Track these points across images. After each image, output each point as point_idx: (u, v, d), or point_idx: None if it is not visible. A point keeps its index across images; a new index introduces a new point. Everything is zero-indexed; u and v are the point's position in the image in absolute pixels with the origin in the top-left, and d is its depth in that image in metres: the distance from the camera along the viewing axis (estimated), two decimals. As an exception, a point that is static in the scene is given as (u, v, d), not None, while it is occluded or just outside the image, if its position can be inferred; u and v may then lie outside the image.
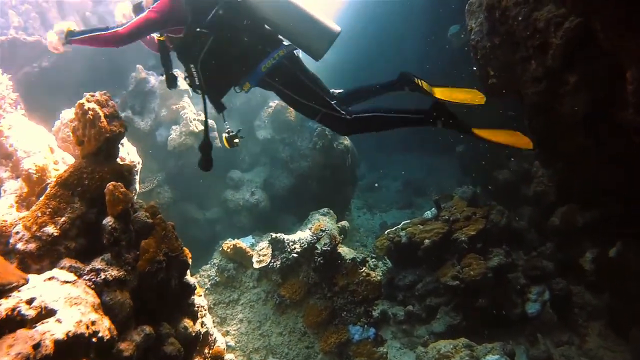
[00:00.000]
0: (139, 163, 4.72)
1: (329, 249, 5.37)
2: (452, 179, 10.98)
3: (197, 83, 3.63)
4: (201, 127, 7.11)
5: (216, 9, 3.47)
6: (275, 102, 8.23)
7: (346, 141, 8.17)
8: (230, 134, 3.95)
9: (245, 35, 3.54)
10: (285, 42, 3.64)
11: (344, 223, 6.71)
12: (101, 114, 3.31)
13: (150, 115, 7.41)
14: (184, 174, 7.48)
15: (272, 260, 5.61)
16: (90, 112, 3.27)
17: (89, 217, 3.10)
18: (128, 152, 4.64)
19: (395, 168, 14.31)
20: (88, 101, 3.33)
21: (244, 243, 6.35)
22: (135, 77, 7.42)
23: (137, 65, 7.41)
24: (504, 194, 7.33)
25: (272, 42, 3.60)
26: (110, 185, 3.06)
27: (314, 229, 5.62)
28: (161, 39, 3.70)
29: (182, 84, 7.14)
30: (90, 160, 3.24)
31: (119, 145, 3.50)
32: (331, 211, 6.80)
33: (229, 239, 6.85)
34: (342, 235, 6.24)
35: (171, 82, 3.88)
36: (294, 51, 3.63)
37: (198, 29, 3.45)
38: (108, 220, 3.03)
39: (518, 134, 3.55)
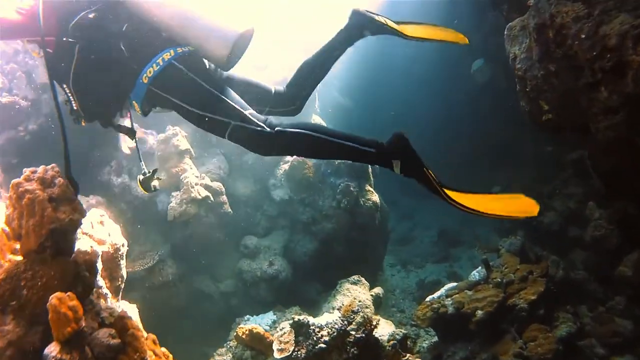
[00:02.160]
0: (123, 245, 3.89)
1: (363, 335, 4.45)
2: (489, 225, 10.11)
3: (75, 109, 2.95)
4: (205, 193, 6.36)
5: (85, 12, 2.86)
6: (291, 158, 7.45)
7: (374, 196, 7.32)
8: (146, 175, 3.42)
9: (124, 42, 2.88)
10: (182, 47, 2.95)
11: (378, 290, 5.97)
12: (43, 197, 2.49)
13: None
14: (192, 245, 6.73)
15: (296, 349, 4.69)
16: (27, 196, 2.46)
17: (28, 341, 2.24)
18: (109, 233, 3.82)
19: (427, 216, 13.46)
20: (26, 180, 2.54)
21: (261, 327, 5.52)
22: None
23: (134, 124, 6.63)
24: (551, 238, 6.52)
25: (156, 47, 2.90)
26: (54, 298, 2.18)
27: (344, 310, 4.71)
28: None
29: (183, 142, 6.45)
30: (32, 261, 2.40)
31: (75, 237, 2.67)
32: (362, 279, 6.00)
33: (247, 318, 6.11)
34: (377, 306, 5.50)
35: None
36: (188, 51, 2.93)
37: (64, 38, 2.83)
38: (51, 350, 2.15)
39: (521, 197, 2.59)
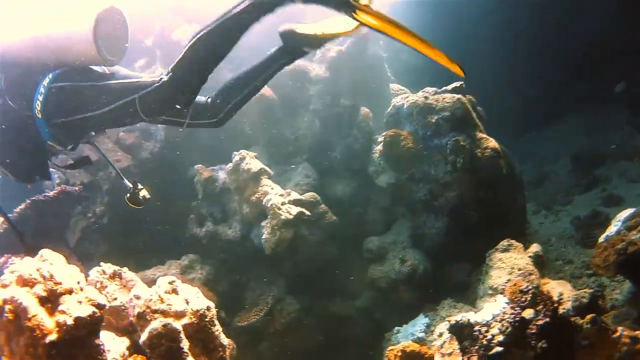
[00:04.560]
0: (209, 309, 3.07)
1: (547, 320, 3.33)
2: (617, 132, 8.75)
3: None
4: (296, 210, 5.50)
5: None
6: (383, 135, 6.51)
7: (490, 142, 6.12)
8: (133, 191, 3.46)
9: (8, 94, 2.94)
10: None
11: (535, 249, 4.95)
12: (31, 303, 1.66)
13: (236, 218, 6.00)
14: (306, 271, 6.00)
15: (466, 358, 3.67)
16: (8, 308, 1.65)
17: None
18: (187, 300, 3.02)
19: (546, 147, 12.15)
20: (3, 287, 1.73)
21: (416, 335, 4.72)
22: (199, 180, 6.13)
23: (195, 167, 6.19)
24: None
25: (34, 82, 2.88)
26: None
27: (510, 293, 3.61)
28: None
29: (254, 163, 5.69)
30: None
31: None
32: (512, 242, 4.97)
33: (395, 331, 5.23)
34: (540, 267, 4.56)
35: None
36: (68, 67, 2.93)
37: None
38: None
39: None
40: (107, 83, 2.88)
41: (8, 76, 2.96)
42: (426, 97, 6.30)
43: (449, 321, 3.81)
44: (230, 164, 5.93)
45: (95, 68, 3.05)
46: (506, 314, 3.51)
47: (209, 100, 3.28)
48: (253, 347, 5.47)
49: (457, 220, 6.19)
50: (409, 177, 6.40)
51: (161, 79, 2.81)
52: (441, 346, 3.99)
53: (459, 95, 6.19)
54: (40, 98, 2.85)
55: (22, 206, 5.68)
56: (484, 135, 6.19)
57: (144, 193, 3.56)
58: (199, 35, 2.74)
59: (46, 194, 5.87)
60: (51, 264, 1.93)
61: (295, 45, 3.13)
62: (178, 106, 2.98)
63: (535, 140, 12.52)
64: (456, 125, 6.10)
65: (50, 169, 3.33)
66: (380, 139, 6.58)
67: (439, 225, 6.24)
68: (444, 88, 6.45)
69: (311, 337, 5.80)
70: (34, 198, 5.73)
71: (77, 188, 6.18)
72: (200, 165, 6.21)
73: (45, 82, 2.86)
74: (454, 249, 6.21)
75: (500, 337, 3.44)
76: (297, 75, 6.78)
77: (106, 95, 2.84)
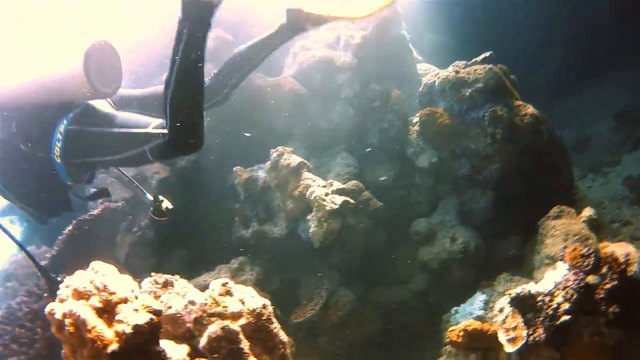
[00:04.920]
0: (265, 307, 3.04)
1: (615, 282, 3.19)
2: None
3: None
4: (341, 199, 5.43)
5: None
6: (418, 115, 6.38)
7: (529, 109, 5.92)
8: (155, 203, 3.59)
9: (21, 139, 3.06)
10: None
11: (588, 212, 4.82)
12: (89, 315, 1.66)
13: (280, 215, 5.96)
14: (357, 260, 5.89)
15: (531, 332, 3.54)
16: (68, 321, 1.65)
17: None
18: (242, 301, 2.99)
19: (585, 109, 11.73)
20: (61, 302, 1.74)
21: (475, 314, 4.62)
22: (239, 182, 6.09)
23: (234, 169, 6.15)
24: None
25: (50, 124, 2.99)
26: None
27: (570, 259, 3.47)
28: None
29: (293, 158, 5.66)
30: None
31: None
32: (564, 208, 4.88)
33: (453, 312, 5.12)
34: (596, 230, 4.44)
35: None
36: (80, 109, 3.06)
37: None
38: None
39: None
40: (116, 131, 2.94)
41: (19, 121, 3.06)
42: (457, 72, 6.14)
43: (509, 294, 3.70)
44: (269, 162, 5.90)
45: (102, 108, 3.15)
46: (569, 280, 3.37)
47: (209, 82, 3.35)
48: (312, 342, 5.42)
49: (503, 192, 6.04)
50: (450, 154, 6.25)
51: (164, 134, 2.79)
52: (503, 321, 3.82)
53: (490, 65, 6.03)
54: (59, 144, 2.94)
55: (70, 227, 5.74)
56: (521, 103, 6.01)
57: (166, 204, 3.63)
58: (169, 95, 2.71)
59: (91, 212, 5.92)
60: (103, 274, 1.93)
61: (297, 22, 3.22)
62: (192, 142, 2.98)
63: (572, 102, 12.06)
64: (491, 96, 5.94)
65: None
66: (416, 119, 6.44)
67: (485, 200, 6.09)
68: (473, 60, 6.29)
69: (369, 326, 5.72)
70: (79, 218, 5.78)
71: (120, 204, 6.20)
72: (238, 167, 6.18)
73: (62, 127, 2.96)
74: (503, 222, 6.07)
75: (566, 305, 3.31)
76: (324, 65, 6.68)
77: (118, 144, 2.91)
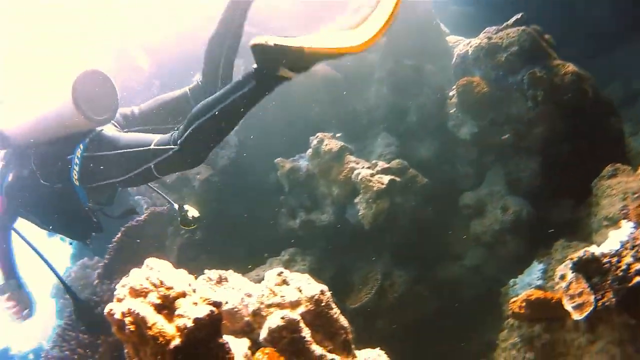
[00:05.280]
0: (323, 293, 3.00)
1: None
2: None
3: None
4: (387, 178, 5.40)
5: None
6: (454, 87, 6.26)
7: (569, 67, 5.73)
8: (181, 214, 3.71)
9: (41, 174, 3.23)
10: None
11: None
12: (148, 312, 1.66)
13: (326, 202, 5.92)
14: (408, 240, 5.81)
15: (599, 296, 3.41)
16: (128, 320, 1.66)
17: None
18: (300, 289, 2.97)
19: (625, 65, 11.18)
20: (119, 301, 1.74)
21: (535, 285, 4.53)
22: (282, 173, 6.10)
23: (275, 161, 6.17)
24: None
25: (67, 153, 3.13)
26: None
27: (635, 215, 3.38)
28: None
29: (333, 143, 5.69)
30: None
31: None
32: (618, 166, 4.72)
33: (512, 283, 5.07)
34: None
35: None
36: (91, 136, 3.15)
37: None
38: None
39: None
40: (121, 152, 3.03)
41: (35, 158, 3.24)
42: (489, 38, 5.98)
43: (571, 259, 3.57)
44: (310, 150, 5.90)
45: (107, 132, 3.22)
46: (637, 238, 3.23)
47: (202, 80, 3.39)
48: (370, 327, 5.38)
49: (550, 156, 5.87)
50: (491, 122, 6.10)
51: (172, 148, 2.87)
52: (567, 288, 3.67)
53: (523, 27, 5.86)
54: (77, 168, 3.08)
55: (118, 235, 5.80)
56: (560, 61, 5.81)
57: (192, 212, 3.74)
58: (206, 118, 2.77)
59: (138, 218, 5.98)
60: (159, 270, 1.92)
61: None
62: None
63: (615, 57, 11.69)
64: (528, 58, 5.76)
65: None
66: (452, 91, 6.31)
67: (533, 166, 5.93)
68: (504, 24, 6.11)
69: (426, 305, 5.70)
70: (127, 225, 5.84)
71: (165, 208, 6.25)
72: (279, 158, 6.20)
73: (78, 153, 3.08)
74: (553, 188, 5.90)
75: (638, 265, 3.16)
76: (353, 48, 6.66)
77: (125, 164, 3.01)
